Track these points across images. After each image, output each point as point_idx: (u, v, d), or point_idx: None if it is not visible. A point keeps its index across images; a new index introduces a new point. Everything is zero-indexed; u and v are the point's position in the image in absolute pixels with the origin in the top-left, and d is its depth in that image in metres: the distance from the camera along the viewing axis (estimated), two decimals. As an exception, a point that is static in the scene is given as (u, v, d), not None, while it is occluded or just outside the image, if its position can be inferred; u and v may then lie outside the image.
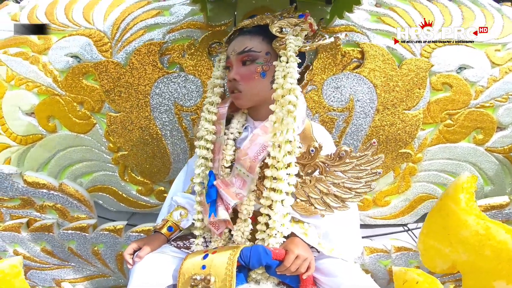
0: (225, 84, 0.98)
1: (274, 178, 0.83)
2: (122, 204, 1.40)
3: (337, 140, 1.27)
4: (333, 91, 1.22)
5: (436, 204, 0.78)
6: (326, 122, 1.25)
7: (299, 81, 1.00)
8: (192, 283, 0.81)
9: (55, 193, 1.27)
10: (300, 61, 0.87)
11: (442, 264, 0.78)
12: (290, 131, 0.82)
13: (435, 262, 0.79)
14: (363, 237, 1.35)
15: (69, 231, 1.29)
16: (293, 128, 0.82)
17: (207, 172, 0.93)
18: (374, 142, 0.82)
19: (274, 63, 0.88)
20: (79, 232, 1.29)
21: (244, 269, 0.86)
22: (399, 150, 1.28)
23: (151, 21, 1.22)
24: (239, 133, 0.97)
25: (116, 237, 1.29)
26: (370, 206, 1.37)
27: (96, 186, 1.38)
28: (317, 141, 0.91)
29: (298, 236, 0.88)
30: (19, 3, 1.32)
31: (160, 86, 1.23)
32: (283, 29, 0.88)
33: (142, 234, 1.27)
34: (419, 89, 1.22)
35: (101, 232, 1.30)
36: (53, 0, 1.28)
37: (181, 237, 1.03)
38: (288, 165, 0.83)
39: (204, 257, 0.84)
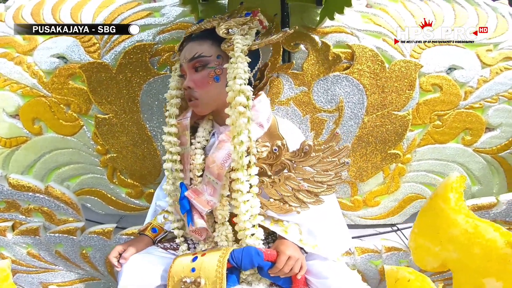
0: (183, 94, 0.99)
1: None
2: (111, 207, 1.41)
3: (328, 141, 1.28)
4: (323, 93, 1.25)
5: (426, 203, 0.81)
6: (316, 124, 1.28)
7: (260, 79, 1.02)
8: (182, 286, 0.82)
9: (41, 196, 1.27)
10: (251, 60, 0.88)
11: (432, 262, 0.80)
12: (244, 132, 0.83)
13: (426, 261, 0.81)
14: (354, 237, 1.37)
15: (56, 234, 1.29)
16: (248, 128, 0.83)
17: (178, 183, 0.96)
18: (337, 133, 0.85)
19: (225, 65, 0.89)
20: (66, 235, 1.30)
21: (236, 271, 0.88)
22: (388, 151, 1.32)
23: (141, 22, 1.23)
24: (207, 140, 0.99)
25: (106, 240, 1.30)
26: (360, 207, 1.41)
27: (83, 189, 1.39)
28: (283, 138, 0.93)
29: (279, 235, 0.90)
30: (4, 3, 1.31)
31: (150, 88, 1.25)
32: (230, 30, 0.89)
33: (132, 237, 1.28)
34: (408, 90, 1.25)
35: (89, 235, 1.30)
36: (40, 0, 1.28)
37: (168, 239, 1.06)
38: (248, 166, 0.84)
39: (193, 260, 0.85)
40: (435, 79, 1.26)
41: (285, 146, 0.86)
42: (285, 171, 0.88)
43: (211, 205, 0.89)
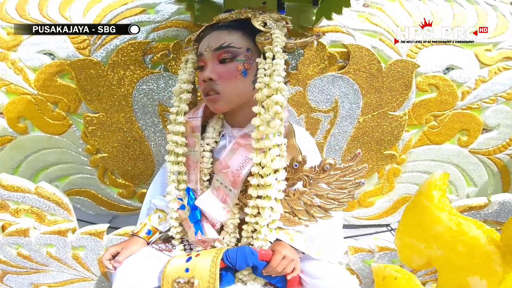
0: (194, 89, 0.95)
1: (259, 186, 0.82)
2: (102, 208, 1.44)
3: (322, 141, 1.33)
4: (318, 92, 1.28)
5: (410, 201, 0.82)
6: (311, 124, 1.32)
7: None
8: (176, 286, 0.83)
9: (31, 196, 1.28)
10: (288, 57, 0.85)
11: (418, 260, 0.82)
12: (278, 134, 0.79)
13: (411, 258, 0.83)
14: (348, 237, 1.41)
15: (47, 235, 1.31)
16: (281, 131, 0.80)
17: (181, 186, 0.95)
18: (359, 153, 0.81)
19: (257, 60, 0.84)
20: (57, 236, 1.31)
21: (231, 269, 0.89)
22: (383, 152, 1.35)
23: (135, 18, 1.24)
24: (216, 142, 0.95)
25: (98, 240, 1.31)
26: (355, 207, 1.45)
27: (73, 189, 1.41)
28: (300, 151, 0.90)
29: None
30: None
31: (143, 86, 1.26)
32: (267, 23, 0.84)
33: (125, 237, 1.29)
34: (405, 90, 1.28)
35: (81, 236, 1.31)
36: (25, -5, 1.28)
37: (163, 239, 1.07)
38: (276, 170, 0.81)
39: (187, 260, 0.87)
40: (432, 79, 1.29)
41: (305, 161, 0.84)
42: (300, 185, 0.87)
43: (225, 213, 0.88)
